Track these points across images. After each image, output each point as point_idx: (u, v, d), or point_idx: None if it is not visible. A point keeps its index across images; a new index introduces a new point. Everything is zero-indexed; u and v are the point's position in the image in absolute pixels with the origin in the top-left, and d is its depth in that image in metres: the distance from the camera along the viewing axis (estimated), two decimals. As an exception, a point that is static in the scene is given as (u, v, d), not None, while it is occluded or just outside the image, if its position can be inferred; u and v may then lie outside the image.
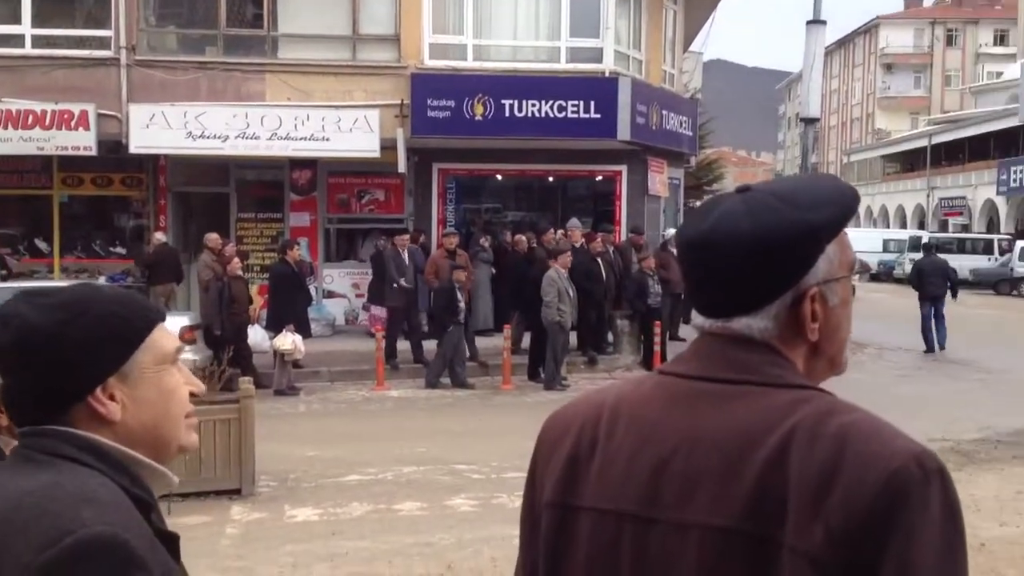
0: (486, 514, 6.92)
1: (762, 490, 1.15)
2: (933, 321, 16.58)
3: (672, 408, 1.26)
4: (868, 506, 1.10)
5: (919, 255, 24.34)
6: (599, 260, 14.06)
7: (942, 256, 19.22)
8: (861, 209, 54.92)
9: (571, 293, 12.59)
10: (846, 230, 1.29)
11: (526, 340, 13.74)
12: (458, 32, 16.17)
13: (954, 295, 17.14)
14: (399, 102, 15.51)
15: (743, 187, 1.31)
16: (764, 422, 1.18)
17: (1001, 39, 75.91)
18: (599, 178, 17.73)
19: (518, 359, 13.44)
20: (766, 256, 1.22)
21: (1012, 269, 32.99)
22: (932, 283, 16.73)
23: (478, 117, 15.45)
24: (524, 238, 15.04)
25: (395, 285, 13.53)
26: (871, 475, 1.11)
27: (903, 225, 55.85)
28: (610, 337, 14.55)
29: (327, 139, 15.23)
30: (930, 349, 16.58)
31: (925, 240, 21.07)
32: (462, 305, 12.63)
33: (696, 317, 1.32)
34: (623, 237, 16.20)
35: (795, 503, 1.13)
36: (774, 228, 1.22)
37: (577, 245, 14.02)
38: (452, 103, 15.46)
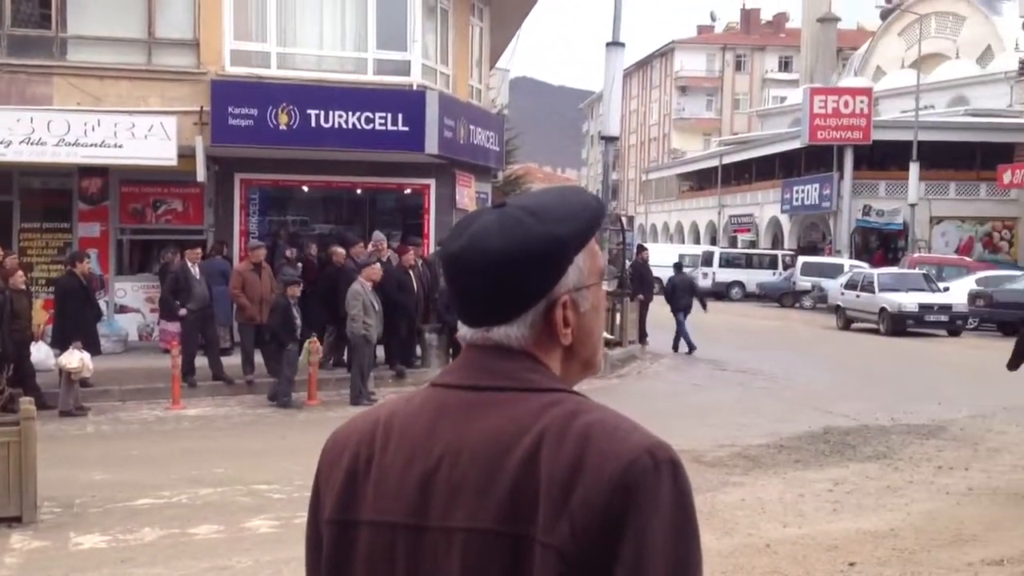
0: (286, 535, 6.74)
1: (517, 491, 1.21)
2: (686, 327, 19.08)
3: (439, 419, 1.31)
4: (606, 497, 1.17)
5: (712, 268, 25.44)
6: (410, 273, 14.03)
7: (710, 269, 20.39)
8: (659, 225, 57.43)
9: (377, 306, 12.50)
10: (595, 240, 1.37)
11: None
12: (261, 39, 15.80)
13: (703, 306, 19.79)
14: (198, 109, 14.98)
15: (499, 203, 1.38)
16: (518, 426, 1.25)
17: (785, 65, 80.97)
18: (408, 191, 17.70)
19: (326, 374, 13.22)
20: (518, 268, 1.29)
21: (795, 283, 35.15)
22: (682, 296, 19.17)
23: (282, 127, 15.13)
24: (340, 251, 14.83)
25: (180, 310, 13.08)
26: (609, 468, 1.19)
27: (697, 241, 58.55)
28: (419, 351, 14.53)
29: (120, 146, 14.52)
30: (692, 349, 18.84)
31: (675, 260, 22.79)
32: (299, 321, 12.34)
33: (461, 328, 1.37)
34: (431, 250, 16.24)
35: (545, 500, 1.19)
36: (525, 242, 1.29)
37: (385, 258, 13.94)
38: (255, 111, 15.08)
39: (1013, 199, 41.26)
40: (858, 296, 25.35)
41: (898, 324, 23.14)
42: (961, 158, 42.58)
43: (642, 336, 19.55)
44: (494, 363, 1.31)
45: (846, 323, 25.69)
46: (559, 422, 1.23)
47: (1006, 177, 38.26)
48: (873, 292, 24.39)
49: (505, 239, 1.29)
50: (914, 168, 38.38)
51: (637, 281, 19.70)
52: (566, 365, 1.35)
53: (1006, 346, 21.23)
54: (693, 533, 1.20)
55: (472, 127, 17.43)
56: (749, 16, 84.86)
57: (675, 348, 19.17)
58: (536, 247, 1.29)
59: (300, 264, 15.15)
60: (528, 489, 1.20)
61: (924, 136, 39.67)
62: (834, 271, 32.17)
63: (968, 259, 35.42)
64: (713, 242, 54.90)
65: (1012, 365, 9.16)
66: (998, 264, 35.66)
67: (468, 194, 18.07)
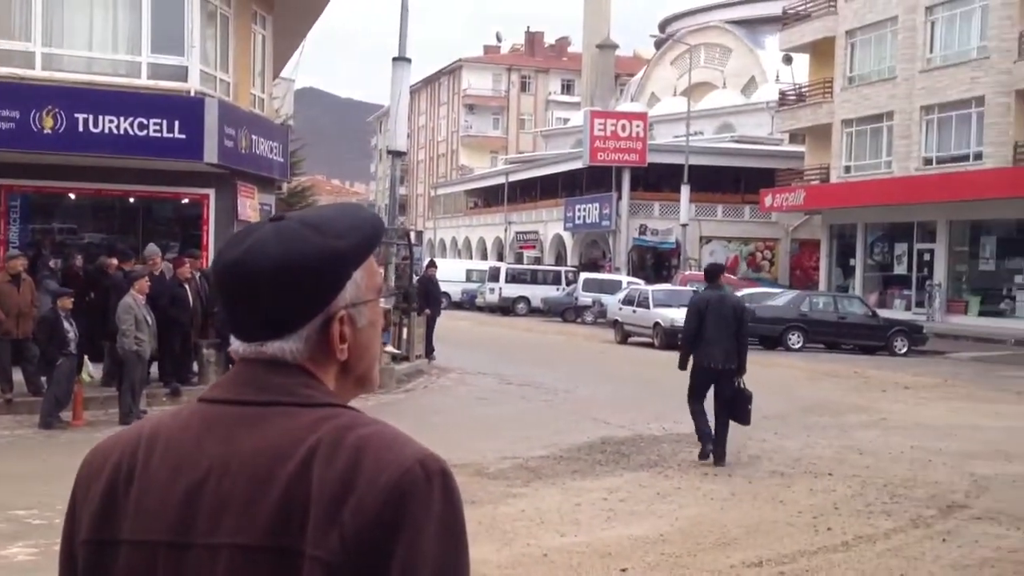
0: (45, 563, 6.30)
1: (286, 505, 1.20)
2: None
3: (207, 434, 1.28)
4: (377, 509, 1.19)
5: (499, 284, 25.63)
6: (185, 286, 13.48)
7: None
8: (447, 240, 57.68)
9: (150, 321, 11.94)
10: (374, 256, 1.37)
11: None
12: (25, 38, 14.83)
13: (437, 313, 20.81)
14: (-49, 108, 13.88)
15: (277, 216, 1.36)
16: (291, 440, 1.24)
17: (568, 88, 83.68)
18: (185, 201, 17.04)
19: (94, 392, 12.49)
20: (295, 282, 1.28)
21: (577, 298, 36.29)
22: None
23: (47, 131, 14.22)
24: (113, 262, 14.02)
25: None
26: (382, 479, 1.20)
27: (484, 256, 59.46)
28: (196, 367, 13.98)
29: None
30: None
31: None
32: (72, 335, 11.52)
33: (234, 342, 1.34)
34: (211, 263, 15.68)
35: (315, 513, 1.19)
36: (302, 255, 1.28)
37: (157, 272, 13.33)
38: (17, 114, 14.11)
39: (774, 221, 44.26)
40: (634, 311, 26.47)
41: (671, 338, 24.24)
42: (728, 182, 45.32)
43: (429, 350, 19.63)
44: (267, 378, 1.29)
45: (624, 337, 26.76)
46: (332, 435, 1.23)
47: (767, 201, 41.00)
48: (648, 307, 25.55)
49: (283, 251, 1.28)
50: (685, 190, 40.50)
51: (424, 296, 19.79)
52: (341, 381, 1.35)
53: (765, 359, 22.69)
54: (462, 543, 1.23)
55: (255, 137, 17.00)
56: (533, 39, 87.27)
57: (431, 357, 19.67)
58: (314, 261, 1.28)
59: (62, 275, 14.26)
60: (298, 502, 1.19)
61: (694, 160, 41.98)
62: (613, 287, 33.45)
63: (733, 277, 37.68)
64: (500, 258, 55.90)
65: (682, 365, 10.37)
66: (760, 282, 38.16)
67: (251, 205, 17.59)
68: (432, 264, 21.93)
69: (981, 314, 31.86)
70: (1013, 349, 25.53)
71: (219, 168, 15.74)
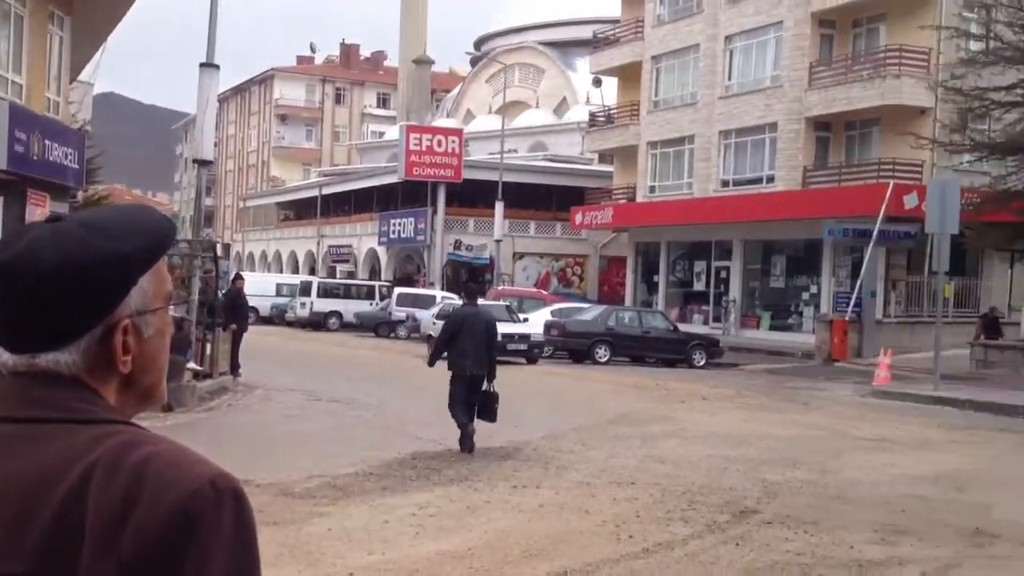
0: None
1: (59, 530, 1.12)
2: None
3: None
4: (161, 532, 1.12)
5: (310, 298, 25.19)
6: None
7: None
8: (256, 253, 56.15)
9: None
10: (164, 261, 1.29)
11: None
12: None
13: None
14: None
15: (54, 216, 1.25)
16: (65, 460, 1.15)
17: (384, 102, 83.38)
18: (-33, 209, 15.90)
19: None
20: (73, 287, 1.18)
21: (391, 313, 36.10)
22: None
23: None
24: None
25: None
26: (166, 501, 1.13)
27: (295, 270, 58.33)
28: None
29: None
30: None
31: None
32: None
33: (2, 354, 1.23)
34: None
35: (91, 538, 1.11)
36: (82, 258, 1.18)
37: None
38: None
39: (584, 239, 45.50)
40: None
41: (483, 352, 24.52)
42: (540, 199, 46.29)
43: (234, 367, 19.04)
44: (40, 392, 1.19)
45: (437, 352, 26.75)
46: (112, 454, 1.14)
47: (578, 218, 42.11)
48: (461, 322, 25.67)
49: (60, 254, 1.17)
50: (499, 207, 41.08)
51: (231, 310, 19.21)
52: (124, 395, 1.25)
53: (574, 372, 23.20)
54: (254, 564, 1.17)
55: (48, 142, 16.07)
56: (349, 51, 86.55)
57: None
58: (96, 264, 1.18)
59: None
60: (73, 527, 1.11)
61: (509, 177, 42.67)
62: (427, 302, 33.49)
63: (545, 292, 38.50)
64: (312, 272, 54.97)
65: (431, 363, 11.94)
66: (570, 297, 39.13)
67: (41, 213, 16.60)
68: (239, 277, 21.32)
69: (772, 328, 33.77)
70: (800, 361, 27.15)
71: (8, 174, 14.81)
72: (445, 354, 11.75)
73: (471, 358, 11.30)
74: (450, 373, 11.50)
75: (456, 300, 30.41)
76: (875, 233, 26.93)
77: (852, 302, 27.42)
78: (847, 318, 27.07)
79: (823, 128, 32.82)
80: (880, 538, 7.83)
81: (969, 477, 10.69)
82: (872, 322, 27.27)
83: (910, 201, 27.49)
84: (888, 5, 30.44)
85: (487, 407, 11.44)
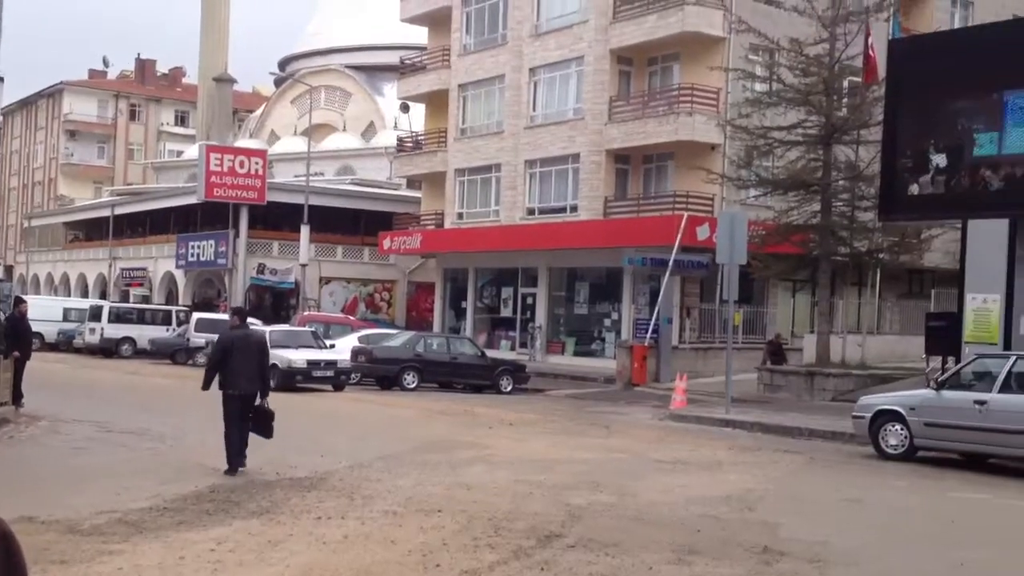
0: None
1: None
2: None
3: None
4: None
5: (101, 324, 23.85)
6: None
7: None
8: (42, 276, 53.01)
9: None
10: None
11: None
12: None
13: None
14: None
15: None
16: None
17: (182, 120, 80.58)
18: None
19: None
20: None
21: (188, 339, 34.67)
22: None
23: None
24: None
25: None
26: None
27: (85, 294, 55.29)
28: None
29: None
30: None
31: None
32: None
33: None
34: None
35: None
36: None
37: None
38: None
39: (392, 264, 45.32)
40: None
41: (288, 379, 23.94)
42: (348, 223, 45.82)
43: (16, 397, 17.80)
44: None
45: (238, 379, 25.91)
46: None
47: (386, 243, 41.92)
48: (264, 349, 24.92)
49: None
50: (305, 230, 40.36)
51: (12, 336, 17.98)
52: None
53: (383, 399, 23.01)
54: None
55: None
56: (144, 66, 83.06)
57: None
58: None
59: None
60: None
61: (315, 201, 42.03)
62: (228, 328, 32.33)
63: (352, 318, 38.03)
64: (103, 296, 52.27)
65: (205, 387, 12.10)
66: (378, 323, 38.83)
67: None
68: (21, 300, 19.97)
69: (576, 354, 34.62)
70: (602, 386, 27.92)
71: None
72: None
73: (244, 377, 11.78)
74: (223, 394, 11.91)
75: (259, 325, 29.62)
76: (671, 263, 28.11)
77: (650, 328, 28.48)
78: (646, 344, 28.07)
79: (623, 160, 34.07)
80: (677, 558, 8.10)
81: (758, 497, 11.24)
82: (669, 348, 28.39)
83: (702, 232, 28.89)
84: (681, 46, 32.00)
85: (263, 424, 11.95)
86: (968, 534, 9.94)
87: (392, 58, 48.56)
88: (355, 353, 26.09)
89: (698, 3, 30.91)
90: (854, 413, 15.79)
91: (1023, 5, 33.84)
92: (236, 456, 11.75)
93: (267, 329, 27.05)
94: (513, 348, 36.51)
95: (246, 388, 11.87)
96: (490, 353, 30.65)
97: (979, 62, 17.03)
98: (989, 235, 16.52)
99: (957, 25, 33.99)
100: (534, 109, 36.32)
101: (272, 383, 23.66)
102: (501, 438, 16.21)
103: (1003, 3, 34.79)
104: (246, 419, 11.91)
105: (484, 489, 11.13)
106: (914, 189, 17.54)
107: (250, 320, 33.49)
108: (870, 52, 24.84)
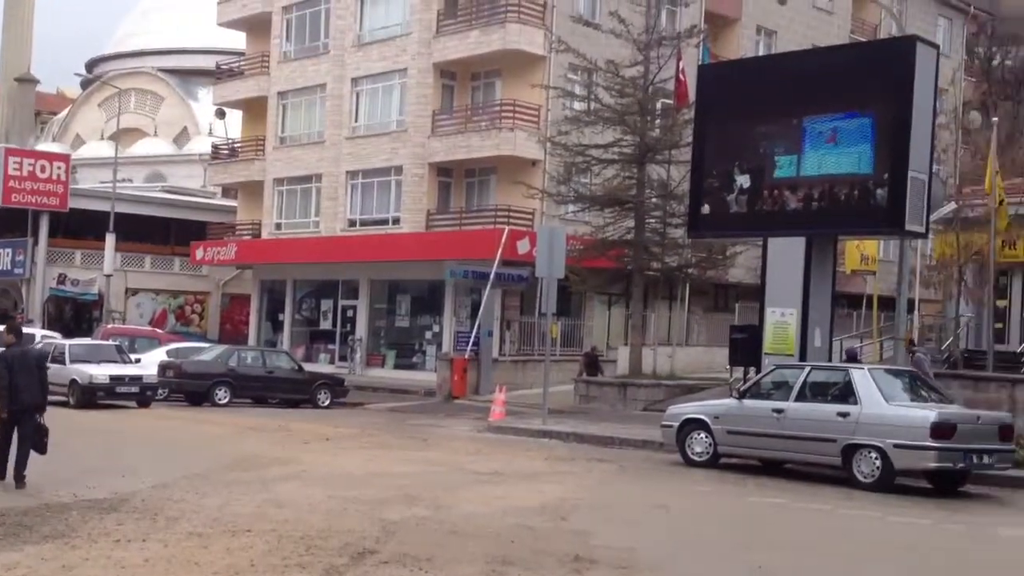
0: None
1: None
2: None
3: None
4: None
5: None
6: None
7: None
8: None
9: None
10: None
11: None
12: None
13: None
14: None
15: None
16: None
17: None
18: None
19: None
20: None
21: (-20, 353, 32.36)
22: None
23: None
24: None
25: None
26: None
27: None
28: None
29: None
30: None
31: None
32: None
33: None
34: None
35: None
36: None
37: None
38: None
39: (204, 275, 43.80)
40: (49, 367, 24.24)
41: (88, 396, 22.71)
42: (157, 232, 44.03)
43: None
44: None
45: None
46: None
47: (199, 254, 40.51)
48: (64, 363, 23.50)
49: None
50: (110, 239, 38.56)
51: None
52: None
53: (192, 416, 22.22)
54: None
55: None
56: (-63, 62, 77.30)
57: None
58: None
59: None
60: None
61: (122, 208, 40.21)
62: (24, 342, 30.39)
63: (160, 331, 36.47)
64: None
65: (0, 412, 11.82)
66: (188, 336, 37.40)
67: None
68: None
69: (396, 367, 34.43)
70: (422, 399, 27.84)
71: None
72: None
73: (26, 393, 11.92)
74: (7, 412, 11.89)
75: (58, 338, 28.01)
76: (492, 276, 28.37)
77: (471, 341, 28.62)
78: (467, 356, 28.19)
79: (445, 174, 34.19)
80: (491, 570, 8.11)
81: (571, 506, 11.42)
82: (489, 360, 28.60)
83: (523, 246, 29.32)
84: (503, 62, 32.44)
85: (40, 440, 11.97)
86: (767, 538, 10.41)
87: (208, 63, 47.08)
88: (163, 368, 25.02)
89: (520, 21, 31.42)
90: (663, 422, 16.32)
91: (822, 36, 36.17)
92: (3, 470, 11.91)
93: (66, 343, 25.62)
94: (332, 361, 35.94)
95: (27, 403, 11.97)
96: (308, 367, 30.05)
97: (780, 89, 17.97)
98: (787, 253, 17.40)
99: (762, 53, 35.85)
100: (356, 120, 35.98)
101: (71, 400, 22.87)
102: (316, 453, 15.88)
103: (804, 34, 37.07)
104: (27, 436, 11.87)
105: (296, 507, 10.85)
106: (720, 208, 18.32)
107: (45, 333, 31.92)
108: (681, 76, 25.87)
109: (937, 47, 18.68)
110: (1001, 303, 25.66)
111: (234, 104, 42.06)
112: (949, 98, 33.77)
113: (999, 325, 25.25)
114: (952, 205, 24.44)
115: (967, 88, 44.82)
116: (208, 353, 26.71)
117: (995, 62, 51.55)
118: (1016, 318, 26.39)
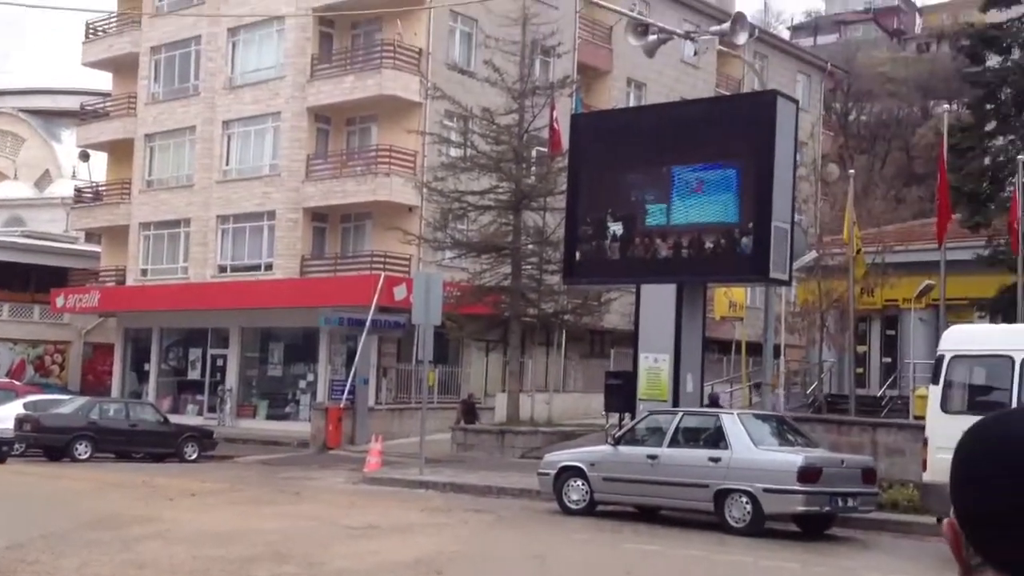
0: None
1: None
2: None
3: None
4: None
5: None
6: None
7: None
8: None
9: None
10: None
11: None
12: None
13: None
14: None
15: None
16: None
17: None
18: None
19: None
20: None
21: None
22: None
23: None
24: None
25: None
26: None
27: None
28: None
29: None
30: None
31: None
32: None
33: None
34: None
35: None
36: None
37: None
38: None
39: (66, 323, 41.99)
40: None
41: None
42: (16, 279, 42.08)
43: None
44: None
45: None
46: None
47: (59, 301, 38.85)
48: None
49: None
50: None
51: None
52: None
53: (50, 471, 21.15)
54: None
55: None
56: None
57: None
58: None
59: None
60: None
61: (-23, 254, 38.27)
62: None
63: (18, 383, 34.69)
64: None
65: None
66: (48, 388, 35.68)
67: None
68: None
69: (269, 417, 33.55)
70: (295, 450, 27.16)
71: None
72: None
73: None
74: None
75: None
76: (368, 322, 28.01)
77: (347, 389, 28.13)
78: (342, 405, 27.67)
79: (320, 219, 33.75)
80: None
81: (447, 559, 11.22)
82: (365, 409, 28.14)
83: (399, 293, 29.07)
84: (379, 108, 32.37)
85: None
86: (642, 585, 10.42)
87: (73, 103, 45.57)
88: (19, 421, 23.75)
89: (395, 68, 31.46)
90: (539, 470, 16.26)
91: (688, 89, 37.35)
92: None
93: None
94: (201, 413, 34.78)
95: None
96: (175, 419, 29.00)
97: (650, 138, 18.40)
98: (659, 299, 17.71)
99: (632, 103, 36.77)
100: (227, 163, 35.27)
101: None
102: (182, 510, 15.23)
103: (672, 87, 38.21)
104: None
105: (158, 567, 10.34)
106: (594, 255, 18.57)
107: None
108: (555, 125, 26.27)
109: (797, 102, 19.46)
110: (861, 348, 26.72)
111: (99, 146, 40.74)
112: (808, 151, 35.33)
113: (860, 370, 26.25)
114: (813, 254, 25.41)
115: (825, 141, 46.94)
116: (68, 406, 25.51)
117: (851, 117, 54.26)
118: (875, 363, 27.50)
